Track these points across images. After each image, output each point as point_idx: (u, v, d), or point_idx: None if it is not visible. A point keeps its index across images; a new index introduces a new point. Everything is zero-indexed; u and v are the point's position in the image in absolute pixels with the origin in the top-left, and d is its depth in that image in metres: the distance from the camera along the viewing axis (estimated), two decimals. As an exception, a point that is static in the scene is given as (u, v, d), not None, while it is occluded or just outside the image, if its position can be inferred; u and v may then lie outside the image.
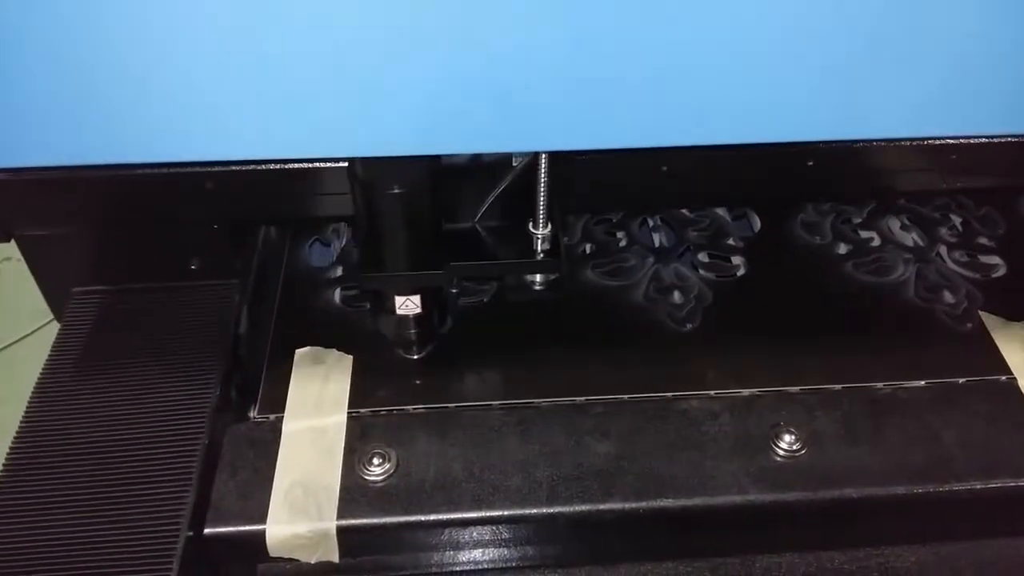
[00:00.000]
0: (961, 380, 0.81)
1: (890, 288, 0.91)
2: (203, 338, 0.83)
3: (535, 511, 0.71)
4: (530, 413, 0.78)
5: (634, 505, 0.71)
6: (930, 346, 0.85)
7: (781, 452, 0.74)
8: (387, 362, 0.83)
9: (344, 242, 0.96)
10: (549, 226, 0.78)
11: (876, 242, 0.97)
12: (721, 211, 1.01)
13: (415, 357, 0.84)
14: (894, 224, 0.99)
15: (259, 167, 0.78)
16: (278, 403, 0.79)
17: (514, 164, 0.79)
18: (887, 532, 0.77)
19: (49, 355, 0.82)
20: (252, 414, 0.79)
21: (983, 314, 0.88)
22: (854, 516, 0.74)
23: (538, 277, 0.87)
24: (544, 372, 0.82)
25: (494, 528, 0.72)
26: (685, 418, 0.77)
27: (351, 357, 0.82)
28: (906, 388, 0.80)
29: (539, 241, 0.78)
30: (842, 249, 0.96)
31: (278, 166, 0.78)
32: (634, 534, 0.74)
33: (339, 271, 0.93)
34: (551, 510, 0.71)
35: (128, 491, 0.71)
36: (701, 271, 0.93)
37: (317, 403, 0.78)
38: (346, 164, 0.73)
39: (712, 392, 0.80)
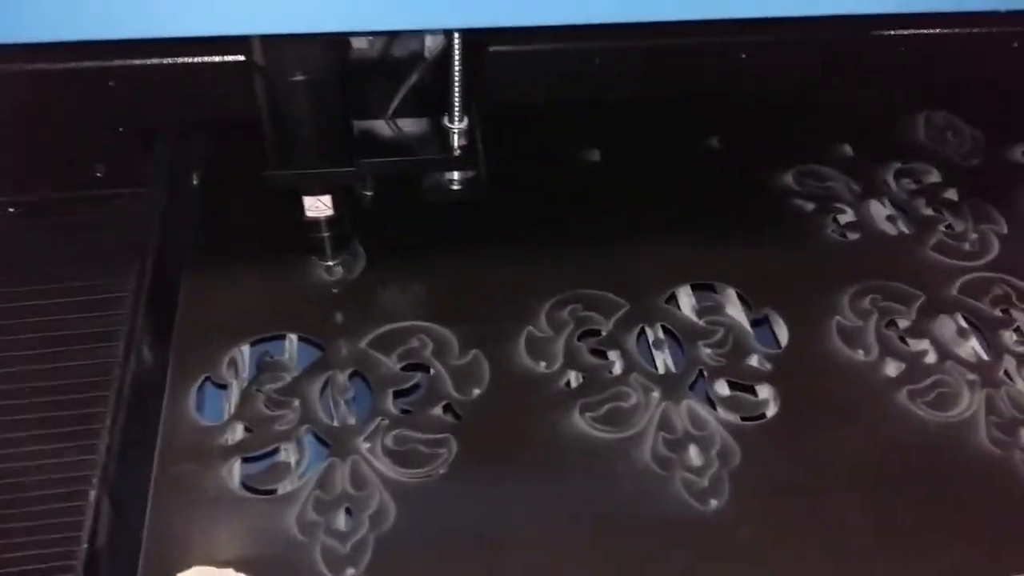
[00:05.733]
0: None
1: (954, 430, 0.72)
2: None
3: None
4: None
5: None
6: (1017, 527, 0.66)
7: None
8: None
9: (247, 379, 0.71)
10: (465, 120, 0.73)
11: (931, 357, 0.77)
12: (736, 313, 0.79)
13: (331, 264, 0.79)
14: (948, 327, 0.79)
15: (162, 62, 0.75)
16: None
17: (426, 55, 0.71)
18: None
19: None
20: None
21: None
22: None
23: (456, 175, 0.77)
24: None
25: None
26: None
27: (254, 588, 0.59)
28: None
29: (455, 136, 0.73)
30: (892, 369, 0.76)
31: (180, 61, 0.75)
32: None
33: (238, 431, 0.68)
34: None
35: None
36: (720, 410, 0.72)
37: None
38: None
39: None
